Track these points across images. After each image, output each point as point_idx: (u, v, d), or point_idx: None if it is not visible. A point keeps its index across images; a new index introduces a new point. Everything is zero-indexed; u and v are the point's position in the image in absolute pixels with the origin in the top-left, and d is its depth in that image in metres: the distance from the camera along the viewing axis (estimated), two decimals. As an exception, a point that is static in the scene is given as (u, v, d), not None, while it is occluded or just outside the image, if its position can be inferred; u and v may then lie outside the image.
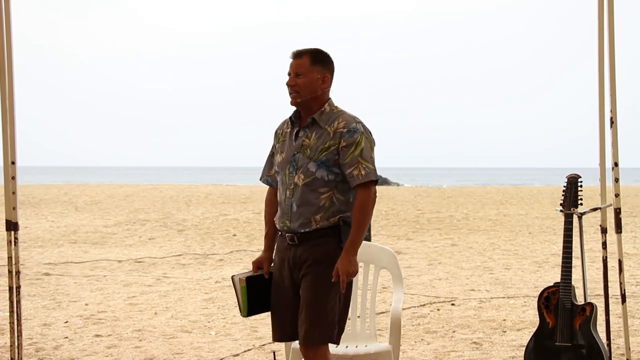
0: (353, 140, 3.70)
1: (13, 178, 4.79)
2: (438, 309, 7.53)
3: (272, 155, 3.99)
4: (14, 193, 4.80)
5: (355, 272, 3.70)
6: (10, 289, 4.81)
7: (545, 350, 4.64)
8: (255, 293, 3.89)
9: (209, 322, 7.05)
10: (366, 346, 4.56)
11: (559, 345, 4.59)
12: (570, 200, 4.66)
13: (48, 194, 27.14)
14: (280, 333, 3.90)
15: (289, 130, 3.88)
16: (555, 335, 4.61)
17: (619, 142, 4.69)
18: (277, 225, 3.88)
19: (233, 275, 3.96)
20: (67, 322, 7.05)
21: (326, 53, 3.86)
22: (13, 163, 4.78)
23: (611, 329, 4.90)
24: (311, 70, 3.78)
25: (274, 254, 3.95)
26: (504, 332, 6.52)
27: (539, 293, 4.72)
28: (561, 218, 4.68)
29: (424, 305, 7.76)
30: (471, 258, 11.41)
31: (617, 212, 4.70)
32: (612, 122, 4.69)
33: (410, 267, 10.48)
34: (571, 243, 4.61)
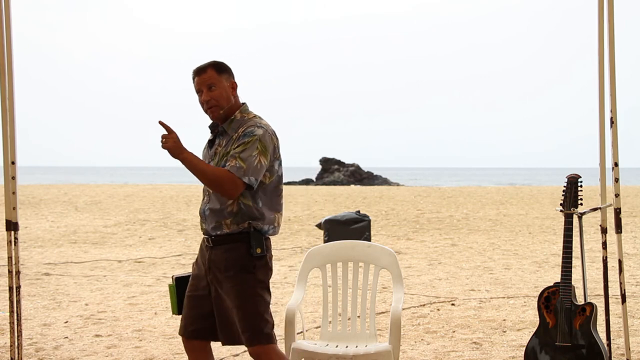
0: (243, 141, 3.73)
1: (13, 178, 4.79)
2: (438, 309, 7.53)
3: None
4: (14, 193, 4.80)
5: (166, 146, 3.64)
6: (10, 289, 4.81)
7: (546, 351, 4.64)
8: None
9: (209, 322, 7.04)
10: (366, 346, 4.55)
11: (559, 345, 4.59)
12: (570, 200, 4.66)
13: (48, 194, 27.14)
14: (186, 328, 3.90)
15: (210, 138, 3.97)
16: (555, 335, 4.61)
17: (619, 142, 4.69)
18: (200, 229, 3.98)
19: (172, 275, 4.08)
20: (67, 322, 7.05)
21: (223, 62, 3.89)
22: (13, 163, 4.78)
23: (611, 329, 4.90)
24: (220, 79, 3.82)
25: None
26: (504, 332, 6.52)
27: (539, 293, 4.72)
28: (561, 218, 4.68)
29: (424, 305, 7.76)
30: (471, 258, 11.41)
31: (617, 212, 4.70)
32: (612, 122, 4.69)
33: (410, 267, 10.48)
34: (571, 243, 4.61)
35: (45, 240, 13.96)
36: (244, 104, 3.91)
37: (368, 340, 4.68)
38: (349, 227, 12.13)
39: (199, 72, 3.82)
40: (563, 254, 4.63)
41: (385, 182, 46.55)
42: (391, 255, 4.78)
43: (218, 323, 3.82)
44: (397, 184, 46.09)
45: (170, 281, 4.06)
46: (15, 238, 4.82)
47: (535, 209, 20.57)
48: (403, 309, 6.79)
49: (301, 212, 20.10)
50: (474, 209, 20.72)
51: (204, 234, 3.90)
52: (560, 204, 4.70)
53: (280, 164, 3.86)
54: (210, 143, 3.94)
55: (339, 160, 49.34)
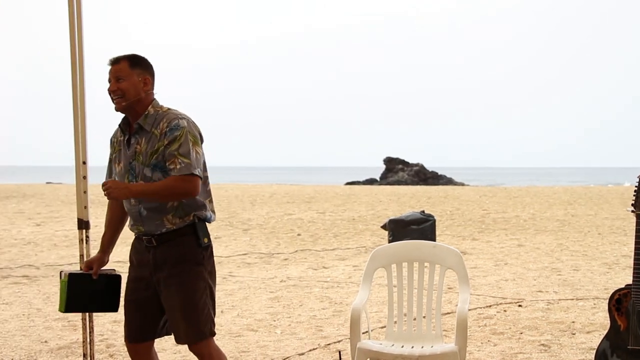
0: (174, 137, 3.73)
1: (84, 177, 4.90)
2: (505, 310, 7.43)
3: (110, 162, 4.00)
4: (85, 192, 4.91)
5: (115, 196, 3.72)
6: (82, 286, 4.91)
7: (617, 354, 4.54)
8: (78, 291, 3.97)
9: (275, 320, 7.09)
10: (432, 347, 4.53)
11: (631, 348, 4.49)
12: (643, 200, 4.54)
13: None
14: (135, 334, 3.93)
15: (122, 138, 3.91)
16: (627, 338, 4.50)
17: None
18: (132, 231, 3.94)
19: (61, 271, 4.03)
20: (135, 319, 7.17)
21: (143, 57, 3.89)
22: (84, 163, 4.90)
23: (685, 333, 4.76)
24: (131, 73, 3.81)
25: (129, 256, 4.00)
26: (573, 334, 6.39)
27: (609, 295, 4.62)
28: (632, 219, 4.57)
29: (490, 306, 7.67)
30: (538, 259, 11.23)
31: (692, 212, 4.56)
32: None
33: (476, 267, 10.37)
34: (643, 244, 4.49)
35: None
36: (154, 99, 3.88)
37: (434, 340, 4.64)
38: (413, 227, 12.06)
39: (113, 63, 3.84)
40: (635, 255, 4.52)
41: (449, 181, 46.17)
42: (457, 255, 4.74)
43: (170, 322, 3.84)
44: (462, 184, 45.66)
45: (62, 277, 4.00)
46: (87, 236, 4.94)
47: (605, 209, 20.14)
48: (469, 310, 6.71)
49: (365, 212, 20.08)
50: (540, 209, 20.39)
51: (143, 235, 3.85)
52: (632, 204, 4.59)
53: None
54: (127, 142, 3.87)
55: (403, 160, 49.15)
